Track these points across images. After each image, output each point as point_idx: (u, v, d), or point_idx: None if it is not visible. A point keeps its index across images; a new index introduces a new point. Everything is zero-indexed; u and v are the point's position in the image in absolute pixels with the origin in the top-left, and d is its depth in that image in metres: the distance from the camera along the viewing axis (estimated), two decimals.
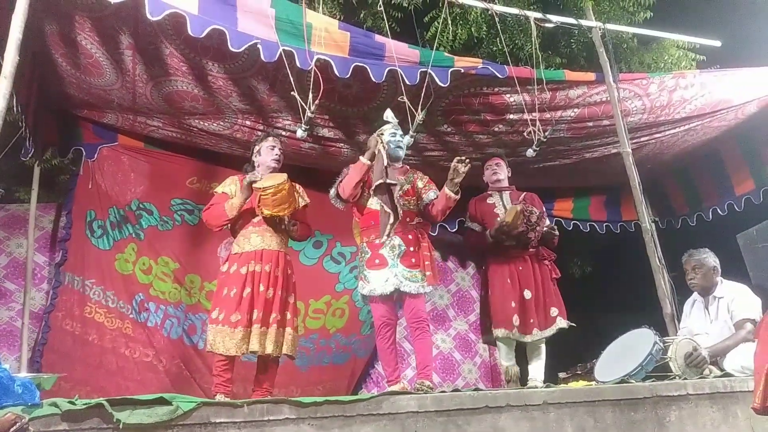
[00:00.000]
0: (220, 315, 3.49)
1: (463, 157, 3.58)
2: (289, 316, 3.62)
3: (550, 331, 4.03)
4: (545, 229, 4.15)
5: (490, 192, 4.37)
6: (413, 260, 3.59)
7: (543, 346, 4.09)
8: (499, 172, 4.33)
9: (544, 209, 4.34)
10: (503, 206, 4.24)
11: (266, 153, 3.78)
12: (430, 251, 3.71)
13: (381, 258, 3.57)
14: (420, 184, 3.84)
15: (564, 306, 4.12)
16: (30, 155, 4.37)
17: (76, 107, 4.70)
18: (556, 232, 4.24)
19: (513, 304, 3.99)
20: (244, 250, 3.62)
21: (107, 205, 4.93)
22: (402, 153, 3.77)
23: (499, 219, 4.13)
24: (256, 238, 3.64)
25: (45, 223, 4.99)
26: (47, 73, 4.17)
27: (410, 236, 3.65)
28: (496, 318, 4.04)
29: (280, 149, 3.82)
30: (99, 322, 4.74)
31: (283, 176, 3.58)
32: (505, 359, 4.12)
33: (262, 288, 3.52)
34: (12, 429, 1.58)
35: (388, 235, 3.53)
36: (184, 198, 5.19)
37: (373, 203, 3.67)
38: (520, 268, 4.11)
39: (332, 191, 3.79)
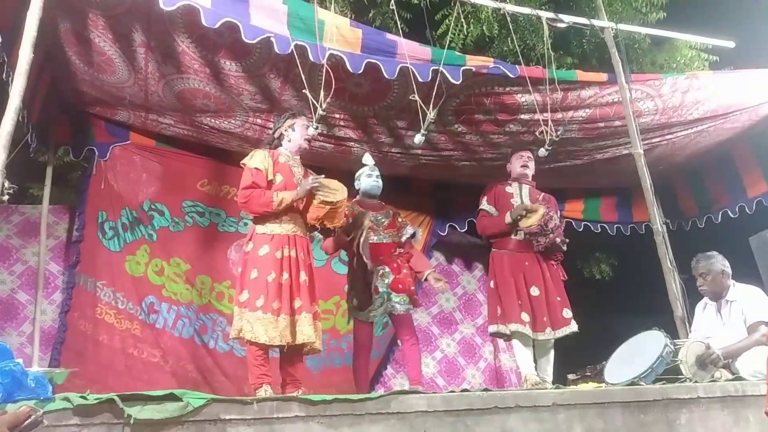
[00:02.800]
0: (257, 301, 3.27)
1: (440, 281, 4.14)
2: (318, 308, 3.53)
3: (561, 333, 4.02)
4: (556, 239, 4.10)
5: (509, 182, 4.38)
6: (400, 286, 4.01)
7: (552, 351, 4.09)
8: (530, 166, 4.37)
9: (560, 216, 4.39)
10: (521, 198, 4.26)
11: (301, 130, 3.64)
12: (412, 277, 4.14)
13: (375, 288, 3.94)
14: (399, 219, 4.30)
15: (570, 310, 4.10)
16: (32, 150, 4.40)
17: (88, 104, 4.73)
18: (564, 248, 4.20)
19: (520, 302, 3.99)
20: (275, 233, 3.44)
21: (119, 206, 4.95)
22: (378, 191, 4.24)
23: (521, 209, 4.11)
24: (288, 222, 3.49)
25: (60, 231, 4.96)
26: (60, 71, 4.20)
27: (395, 264, 4.07)
28: (506, 313, 4.02)
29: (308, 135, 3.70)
30: (109, 323, 4.77)
31: (342, 186, 3.53)
32: (524, 365, 4.00)
33: (303, 276, 3.41)
34: (27, 421, 1.59)
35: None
36: (195, 200, 5.21)
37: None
38: (526, 263, 4.11)
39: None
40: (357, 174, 4.30)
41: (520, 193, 4.30)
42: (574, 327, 4.05)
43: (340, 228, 3.93)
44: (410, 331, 4.10)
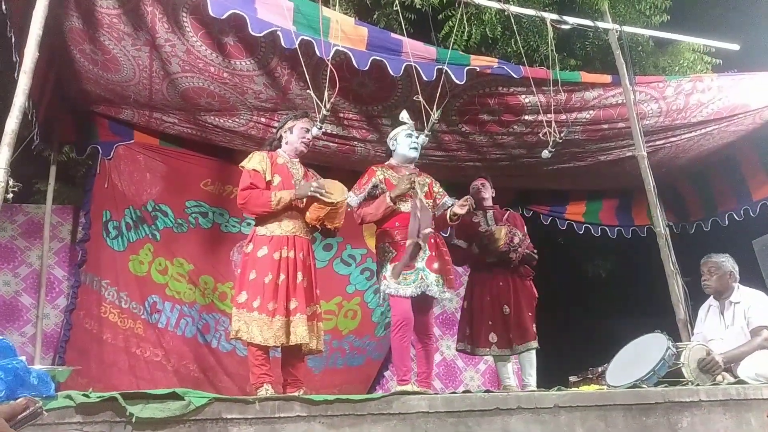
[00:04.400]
0: (254, 302, 3.26)
1: (465, 202, 3.65)
2: (319, 309, 3.51)
3: (525, 348, 4.20)
4: (526, 251, 4.35)
5: (475, 212, 4.43)
6: (435, 265, 3.62)
7: (533, 355, 4.25)
8: (483, 191, 4.55)
9: (526, 230, 4.52)
10: (487, 224, 4.44)
11: (299, 133, 3.57)
12: (448, 256, 3.77)
13: (410, 263, 3.52)
14: (435, 188, 3.89)
15: (535, 328, 4.27)
16: (34, 147, 4.41)
17: (92, 103, 4.74)
18: (536, 256, 4.42)
19: (490, 322, 4.23)
20: (275, 234, 3.41)
21: (123, 205, 4.96)
22: (416, 154, 3.79)
23: (485, 233, 4.33)
24: (288, 223, 3.43)
25: (64, 232, 4.96)
26: (65, 69, 4.21)
27: (432, 240, 3.65)
28: (475, 337, 4.30)
29: (312, 135, 3.60)
30: (113, 322, 4.79)
31: (343, 187, 3.48)
32: (504, 378, 4.36)
33: (300, 277, 3.37)
34: (24, 413, 1.58)
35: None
36: (198, 200, 5.23)
37: (400, 207, 3.62)
38: (500, 284, 4.32)
39: (352, 200, 3.63)
40: (392, 134, 3.83)
41: (486, 220, 4.48)
42: (533, 345, 4.19)
43: (385, 194, 3.60)
44: (431, 327, 3.78)
